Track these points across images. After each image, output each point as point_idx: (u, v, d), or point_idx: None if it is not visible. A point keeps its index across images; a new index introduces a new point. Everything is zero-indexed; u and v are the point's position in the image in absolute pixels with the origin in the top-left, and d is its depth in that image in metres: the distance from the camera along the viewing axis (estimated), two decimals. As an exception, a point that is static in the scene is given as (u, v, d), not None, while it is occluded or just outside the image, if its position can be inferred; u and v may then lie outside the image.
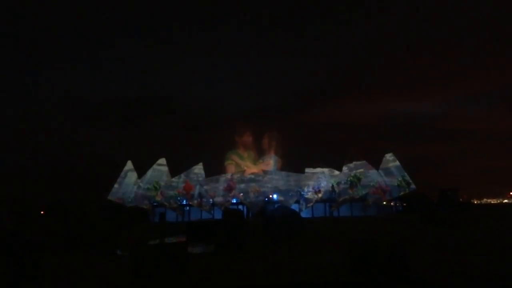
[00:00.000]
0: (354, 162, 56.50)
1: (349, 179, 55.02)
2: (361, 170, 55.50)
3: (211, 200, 55.59)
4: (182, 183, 57.13)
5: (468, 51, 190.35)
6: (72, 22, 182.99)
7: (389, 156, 56.56)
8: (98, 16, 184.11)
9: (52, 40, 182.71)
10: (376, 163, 56.82)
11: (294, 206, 50.11)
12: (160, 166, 59.50)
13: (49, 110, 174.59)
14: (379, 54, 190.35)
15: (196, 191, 56.54)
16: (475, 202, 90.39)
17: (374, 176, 55.00)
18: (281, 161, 77.04)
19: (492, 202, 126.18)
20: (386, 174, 55.16)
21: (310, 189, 54.93)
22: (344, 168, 56.28)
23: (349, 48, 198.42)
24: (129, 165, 60.01)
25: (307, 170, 56.34)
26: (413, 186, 53.99)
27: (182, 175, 58.06)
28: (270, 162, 73.95)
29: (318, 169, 56.12)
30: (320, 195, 54.70)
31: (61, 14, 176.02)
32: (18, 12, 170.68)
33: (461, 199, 59.42)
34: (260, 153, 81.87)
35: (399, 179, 54.31)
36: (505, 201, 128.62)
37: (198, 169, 58.34)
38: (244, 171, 65.31)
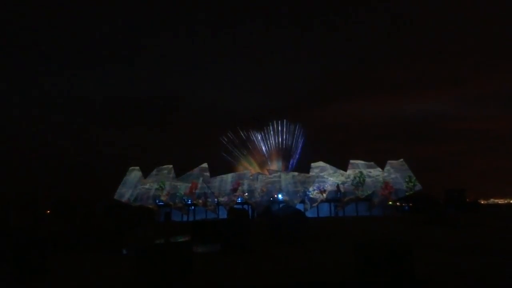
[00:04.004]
0: (359, 162, 56.30)
1: (355, 179, 54.80)
2: (367, 170, 55.29)
3: (216, 199, 55.66)
4: (188, 183, 57.31)
5: (472, 51, 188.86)
6: (77, 23, 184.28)
7: (394, 157, 56.42)
8: (102, 19, 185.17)
9: (61, 41, 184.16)
10: (381, 163, 56.59)
11: (299, 206, 50.02)
12: (166, 166, 59.80)
13: (57, 110, 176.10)
14: (382, 55, 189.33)
15: (201, 190, 56.67)
16: (482, 203, 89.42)
17: (379, 176, 54.74)
18: (286, 161, 77.22)
19: (499, 202, 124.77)
20: (392, 174, 54.84)
21: (315, 188, 54.81)
22: (350, 168, 56.08)
23: (354, 49, 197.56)
24: (135, 164, 60.47)
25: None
26: (419, 186, 53.66)
27: (188, 175, 58.23)
28: (276, 163, 74.10)
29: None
30: (325, 195, 54.59)
31: (65, 16, 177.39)
32: (24, 12, 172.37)
33: (468, 200, 58.84)
34: (265, 154, 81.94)
35: (405, 179, 54.01)
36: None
37: (203, 168, 58.44)
38: (249, 170, 65.36)
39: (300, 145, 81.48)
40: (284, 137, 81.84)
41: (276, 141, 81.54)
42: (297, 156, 79.99)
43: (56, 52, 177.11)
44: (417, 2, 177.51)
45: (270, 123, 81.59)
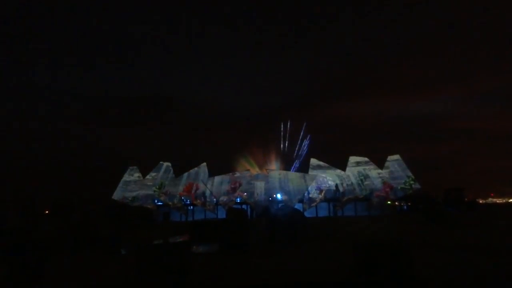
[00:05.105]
0: (358, 162, 56.29)
1: (354, 178, 54.82)
2: (366, 169, 55.27)
3: (214, 199, 55.55)
4: (186, 183, 57.16)
5: (470, 51, 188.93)
6: (73, 19, 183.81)
7: (393, 156, 56.34)
8: (99, 15, 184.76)
9: (55, 37, 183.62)
10: (380, 162, 56.57)
11: (298, 206, 49.97)
12: (164, 166, 59.61)
13: (54, 108, 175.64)
14: (380, 54, 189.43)
15: (200, 190, 56.54)
16: (481, 202, 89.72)
17: (378, 176, 54.73)
18: (285, 161, 77.29)
19: (497, 201, 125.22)
20: (391, 173, 54.83)
21: (315, 188, 54.75)
22: (349, 168, 56.08)
23: (351, 47, 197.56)
24: (133, 164, 60.25)
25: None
26: (417, 185, 53.68)
27: (186, 175, 58.11)
28: (275, 163, 74.14)
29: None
30: (323, 194, 54.53)
31: (59, 12, 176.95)
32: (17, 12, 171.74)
33: (466, 199, 58.90)
34: (264, 153, 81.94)
35: (404, 178, 54.01)
36: (511, 200, 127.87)
37: (202, 168, 58.35)
38: (248, 170, 65.28)
39: (300, 145, 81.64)
40: (284, 136, 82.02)
41: (276, 140, 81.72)
42: (299, 156, 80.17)
43: (53, 51, 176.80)
44: (417, 1, 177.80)
45: (270, 123, 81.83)
